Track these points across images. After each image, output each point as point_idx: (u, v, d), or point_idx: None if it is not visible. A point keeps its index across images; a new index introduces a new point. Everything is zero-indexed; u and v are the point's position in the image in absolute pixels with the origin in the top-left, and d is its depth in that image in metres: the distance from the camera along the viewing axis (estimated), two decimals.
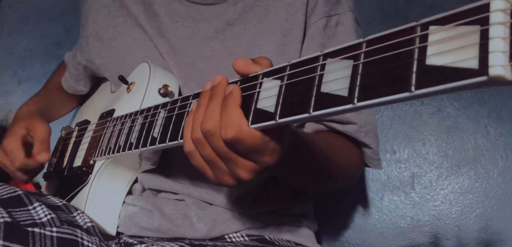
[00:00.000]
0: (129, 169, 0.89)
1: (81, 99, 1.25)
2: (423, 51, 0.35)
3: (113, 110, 0.94)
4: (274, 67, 0.52)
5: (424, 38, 0.36)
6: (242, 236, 0.87)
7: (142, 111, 0.78)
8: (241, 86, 0.54)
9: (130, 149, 0.76)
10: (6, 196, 0.70)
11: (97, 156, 0.88)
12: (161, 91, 0.84)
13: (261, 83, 0.52)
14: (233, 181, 0.57)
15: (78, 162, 0.97)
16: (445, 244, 1.19)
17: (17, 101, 1.64)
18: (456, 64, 0.33)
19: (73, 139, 1.06)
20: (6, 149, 1.01)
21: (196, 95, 0.64)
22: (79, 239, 0.68)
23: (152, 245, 0.73)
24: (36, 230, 0.65)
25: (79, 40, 1.08)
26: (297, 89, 0.47)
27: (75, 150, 1.01)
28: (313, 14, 0.87)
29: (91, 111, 1.10)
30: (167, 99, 0.82)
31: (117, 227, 0.88)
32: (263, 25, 0.87)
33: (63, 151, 1.07)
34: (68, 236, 0.67)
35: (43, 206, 0.70)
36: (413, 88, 0.35)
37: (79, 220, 0.75)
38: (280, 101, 0.48)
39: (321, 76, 0.44)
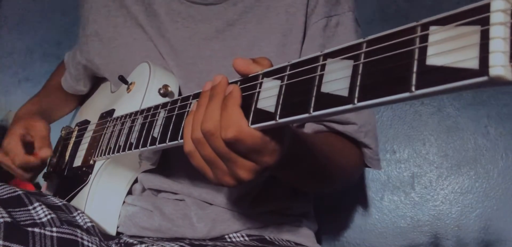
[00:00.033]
0: (129, 169, 0.89)
1: (81, 99, 1.25)
2: (423, 51, 0.35)
3: (113, 110, 0.94)
4: (274, 67, 0.52)
5: (424, 38, 0.36)
6: (242, 236, 0.87)
7: (142, 111, 0.78)
8: (241, 86, 0.54)
9: (130, 149, 0.76)
10: (6, 196, 0.70)
11: (97, 156, 0.88)
12: (161, 91, 0.84)
13: (261, 83, 0.52)
14: (233, 181, 0.57)
15: (78, 162, 0.97)
16: (445, 244, 1.19)
17: (17, 101, 1.64)
18: (457, 65, 0.33)
19: (73, 139, 1.06)
20: (6, 149, 1.01)
21: (196, 95, 0.64)
22: (79, 239, 0.68)
23: (152, 245, 0.73)
24: (36, 230, 0.65)
25: (78, 40, 1.08)
26: (297, 89, 0.47)
27: (75, 150, 1.01)
28: (313, 15, 0.87)
29: (91, 111, 1.10)
30: (167, 99, 0.82)
31: (117, 227, 0.88)
32: (263, 25, 0.87)
33: (63, 151, 1.07)
34: (68, 236, 0.67)
35: (43, 206, 0.70)
36: (413, 88, 0.35)
37: (79, 220, 0.75)
38: (280, 102, 0.48)
39: (321, 76, 0.44)
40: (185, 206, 0.87)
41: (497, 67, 0.30)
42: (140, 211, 0.87)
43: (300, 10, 0.86)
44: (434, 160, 1.24)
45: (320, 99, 0.43)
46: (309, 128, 0.88)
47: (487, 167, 1.20)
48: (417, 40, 0.36)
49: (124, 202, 0.90)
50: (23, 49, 1.73)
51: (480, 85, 0.31)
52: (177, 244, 0.72)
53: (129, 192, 0.91)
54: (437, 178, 1.23)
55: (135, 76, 0.91)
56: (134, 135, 0.76)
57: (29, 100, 1.18)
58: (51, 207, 0.72)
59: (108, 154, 0.83)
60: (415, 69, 0.35)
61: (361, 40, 0.41)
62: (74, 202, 0.87)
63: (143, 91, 0.86)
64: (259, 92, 0.52)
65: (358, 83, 0.40)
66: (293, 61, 0.49)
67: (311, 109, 0.43)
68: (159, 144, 0.67)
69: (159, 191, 0.90)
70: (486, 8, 0.32)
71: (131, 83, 0.91)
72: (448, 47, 0.34)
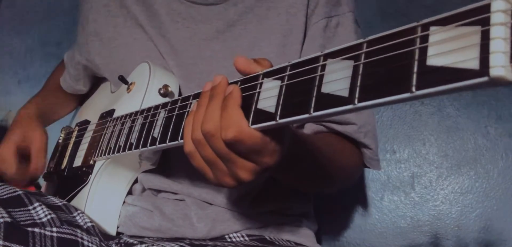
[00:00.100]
0: (129, 169, 0.89)
1: (81, 99, 1.25)
2: (423, 51, 0.35)
3: (113, 111, 0.94)
4: (275, 67, 0.52)
5: (424, 39, 0.36)
6: (242, 236, 0.87)
7: (142, 112, 0.78)
8: (241, 87, 0.54)
9: (130, 149, 0.76)
10: (6, 196, 0.70)
11: (97, 156, 0.88)
12: (161, 92, 0.84)
13: (261, 83, 0.52)
14: (233, 182, 0.57)
15: (78, 162, 0.97)
16: (445, 244, 1.19)
17: (17, 101, 1.64)
18: (457, 65, 0.33)
19: (73, 139, 1.06)
20: (1, 157, 1.02)
21: (196, 96, 0.64)
22: (79, 239, 0.68)
23: (152, 245, 0.73)
24: (36, 230, 0.65)
25: (77, 39, 1.08)
26: (298, 89, 0.47)
27: (75, 150, 1.01)
28: (313, 15, 0.87)
29: (91, 111, 1.10)
30: (167, 99, 0.82)
31: (117, 227, 0.88)
32: (263, 26, 0.87)
33: (63, 151, 1.07)
34: (68, 236, 0.67)
35: (43, 206, 0.70)
36: (414, 88, 0.35)
37: (79, 220, 0.75)
38: (281, 102, 0.48)
39: (321, 76, 0.44)
40: (185, 206, 0.87)
41: (498, 67, 0.30)
42: (140, 211, 0.87)
43: (301, 10, 0.86)
44: (434, 160, 1.24)
45: (321, 99, 0.43)
46: (309, 128, 0.88)
47: (487, 167, 1.20)
48: (418, 40, 0.36)
49: (124, 202, 0.90)
50: (23, 49, 1.73)
51: (481, 85, 0.31)
52: (177, 244, 0.72)
53: (129, 192, 0.91)
54: (437, 178, 1.23)
55: (135, 76, 0.91)
56: (134, 135, 0.76)
57: (29, 101, 1.18)
58: (51, 207, 0.72)
59: (108, 154, 0.83)
60: (415, 69, 0.35)
61: (361, 40, 0.41)
62: (74, 202, 0.87)
63: (143, 91, 0.86)
64: (259, 92, 0.51)
65: (358, 84, 0.40)
66: (294, 62, 0.49)
67: (312, 110, 0.43)
68: (159, 144, 0.67)
69: (159, 191, 0.90)
70: (487, 8, 0.32)
71: (131, 83, 0.91)
72: (448, 48, 0.34)
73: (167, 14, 0.92)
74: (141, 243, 0.77)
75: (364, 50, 0.41)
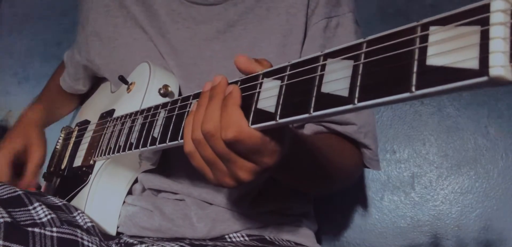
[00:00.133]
0: (129, 169, 0.89)
1: (82, 99, 1.25)
2: (423, 51, 0.35)
3: (113, 111, 0.94)
4: (275, 67, 0.52)
5: (424, 39, 0.36)
6: (242, 236, 0.87)
7: (142, 112, 0.78)
8: (241, 87, 0.54)
9: (130, 149, 0.76)
10: (6, 196, 0.70)
11: (97, 156, 0.88)
12: (161, 92, 0.84)
13: (261, 83, 0.52)
14: (233, 182, 0.57)
15: (78, 162, 0.97)
16: (445, 244, 1.19)
17: (17, 101, 1.64)
18: (457, 65, 0.33)
19: (73, 139, 1.06)
20: None
21: (196, 96, 0.64)
22: (79, 239, 0.68)
23: (152, 245, 0.73)
24: (36, 230, 0.65)
25: (77, 39, 1.08)
26: (298, 89, 0.47)
27: (75, 150, 1.01)
28: (313, 15, 0.87)
29: (91, 111, 1.10)
30: (167, 99, 0.82)
31: (117, 227, 0.88)
32: (263, 26, 0.87)
33: (63, 151, 1.07)
34: (68, 236, 0.67)
35: (43, 206, 0.70)
36: (413, 88, 0.35)
37: (79, 220, 0.75)
38: (281, 102, 0.48)
39: (321, 76, 0.44)
40: (185, 206, 0.87)
41: (497, 67, 0.30)
42: (140, 211, 0.88)
43: (301, 11, 0.86)
44: (434, 160, 1.24)
45: (320, 99, 0.43)
46: (309, 129, 0.88)
47: (487, 167, 1.20)
48: (417, 40, 0.36)
49: (124, 202, 0.90)
50: (23, 49, 1.73)
51: (480, 85, 0.31)
52: (177, 244, 0.72)
53: (129, 192, 0.91)
54: (437, 178, 1.23)
55: (135, 76, 0.91)
56: (134, 135, 0.76)
57: (35, 103, 1.19)
58: (51, 207, 0.72)
59: (108, 154, 0.83)
60: (415, 69, 0.35)
61: (361, 40, 0.41)
62: (74, 202, 0.87)
63: (143, 91, 0.86)
64: (259, 92, 0.52)
65: (358, 84, 0.40)
66: (293, 61, 0.49)
67: (311, 110, 0.43)
68: (159, 144, 0.67)
69: (159, 191, 0.90)
70: (486, 8, 0.32)
71: (131, 83, 0.91)
72: (448, 47, 0.34)
73: (167, 15, 0.92)
74: (141, 243, 0.77)
75: (364, 50, 0.41)
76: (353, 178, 0.93)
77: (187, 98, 0.66)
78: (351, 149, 0.87)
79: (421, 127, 1.26)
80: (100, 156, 0.87)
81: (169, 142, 0.64)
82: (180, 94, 0.88)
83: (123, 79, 0.92)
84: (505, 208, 1.17)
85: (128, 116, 0.82)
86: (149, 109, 0.75)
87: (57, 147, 1.11)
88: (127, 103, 0.90)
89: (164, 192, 0.90)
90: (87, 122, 1.04)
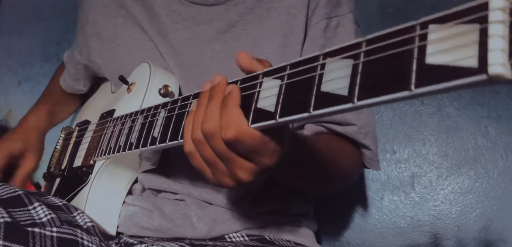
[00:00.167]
0: (129, 169, 0.89)
1: (83, 100, 1.26)
2: (422, 50, 0.35)
3: (113, 111, 0.94)
4: (274, 66, 0.52)
5: (423, 37, 0.36)
6: (242, 236, 0.87)
7: (142, 111, 0.78)
8: (241, 86, 0.54)
9: (130, 148, 0.76)
10: (6, 196, 0.70)
11: (97, 156, 0.88)
12: (162, 92, 0.84)
13: (261, 83, 0.52)
14: (232, 182, 0.57)
15: (78, 162, 0.97)
16: (445, 244, 1.19)
17: (17, 101, 1.64)
18: (456, 63, 0.33)
19: (73, 139, 1.06)
20: None
21: (196, 95, 0.64)
22: (79, 239, 0.68)
23: (152, 245, 0.73)
24: (36, 230, 0.65)
25: (76, 39, 1.08)
26: (297, 88, 0.47)
27: (75, 150, 1.01)
28: (314, 16, 0.87)
29: (92, 111, 1.10)
30: (167, 99, 0.82)
31: (117, 227, 0.88)
32: (264, 26, 0.87)
33: (63, 151, 1.07)
34: (68, 236, 0.67)
35: (43, 206, 0.71)
36: (413, 87, 0.35)
37: (79, 220, 0.75)
38: (280, 101, 0.48)
39: (321, 75, 0.44)
40: (185, 206, 0.87)
41: (496, 65, 0.30)
42: (140, 211, 0.88)
43: (301, 11, 0.86)
44: (434, 160, 1.24)
45: (320, 98, 0.43)
46: (309, 129, 0.88)
47: (487, 167, 1.20)
48: (416, 39, 0.36)
49: (124, 202, 0.90)
50: (23, 49, 1.73)
51: (479, 83, 0.31)
52: (177, 244, 0.73)
53: (129, 192, 0.91)
54: (437, 178, 1.23)
55: (136, 76, 0.91)
56: (134, 135, 0.76)
57: (37, 109, 1.19)
58: (51, 207, 0.72)
59: (108, 154, 0.83)
60: (414, 68, 0.35)
61: (360, 39, 0.41)
62: (74, 202, 0.87)
63: (144, 92, 0.86)
64: (259, 91, 0.52)
65: (357, 82, 0.40)
66: (293, 61, 0.49)
67: (311, 109, 0.44)
68: (159, 143, 0.67)
69: (159, 191, 0.90)
70: (485, 6, 0.32)
71: (131, 84, 0.91)
72: (447, 46, 0.34)
73: (168, 15, 0.92)
74: (141, 243, 0.77)
75: (363, 49, 0.41)
76: (353, 178, 0.93)
77: (187, 98, 0.66)
78: (351, 149, 0.87)
79: (421, 127, 1.26)
80: (100, 156, 0.87)
81: (169, 141, 0.64)
82: (180, 94, 0.88)
83: (123, 80, 0.92)
84: (505, 208, 1.17)
85: (128, 116, 0.82)
86: (149, 109, 0.75)
87: (57, 147, 1.11)
88: (127, 103, 0.90)
89: (164, 192, 0.90)
90: (87, 122, 1.04)
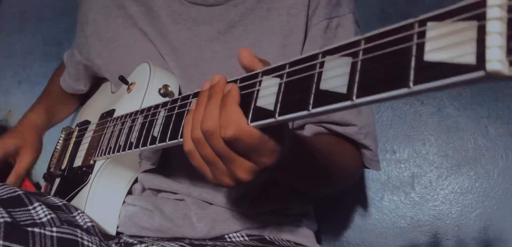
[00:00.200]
0: (129, 169, 0.89)
1: (82, 100, 1.26)
2: (421, 47, 0.35)
3: (113, 111, 0.94)
4: (274, 65, 0.52)
5: (421, 35, 0.36)
6: (242, 236, 0.87)
7: (142, 111, 0.78)
8: (240, 85, 0.54)
9: (130, 148, 0.76)
10: (6, 196, 0.70)
11: (97, 156, 0.88)
12: (161, 91, 0.84)
13: (260, 81, 0.52)
14: (231, 182, 0.57)
15: (78, 162, 0.97)
16: (445, 244, 1.19)
17: (17, 101, 1.64)
18: (454, 60, 0.33)
19: (73, 139, 1.06)
20: None
21: (196, 95, 0.64)
22: (79, 239, 0.68)
23: (152, 245, 0.73)
24: (36, 230, 0.65)
25: (76, 39, 1.08)
26: (297, 87, 0.47)
27: (75, 150, 1.01)
28: (314, 16, 0.87)
29: (92, 111, 1.10)
30: (167, 99, 0.82)
31: (117, 227, 0.88)
32: (264, 26, 0.87)
33: (63, 151, 1.08)
34: (68, 236, 0.67)
35: (43, 206, 0.71)
36: (411, 84, 0.35)
37: (79, 220, 0.75)
38: (280, 99, 0.48)
39: (320, 73, 0.45)
40: (185, 206, 0.87)
41: (494, 62, 0.31)
42: (140, 211, 0.88)
43: (301, 11, 0.86)
44: (434, 160, 1.24)
45: (319, 96, 0.43)
46: (309, 130, 0.88)
47: (487, 167, 1.20)
48: (415, 36, 0.36)
49: (124, 202, 0.90)
50: (23, 49, 1.73)
51: (477, 80, 0.32)
52: (177, 244, 0.73)
53: (129, 192, 0.91)
54: (437, 178, 1.23)
55: (136, 76, 0.92)
56: (134, 134, 0.76)
57: (36, 106, 1.19)
58: (51, 207, 0.72)
59: (108, 153, 0.83)
60: (413, 65, 0.35)
61: (359, 37, 0.41)
62: (74, 202, 0.88)
63: (143, 91, 0.86)
64: (258, 90, 0.52)
65: (356, 80, 0.40)
66: (292, 59, 0.49)
67: (310, 107, 0.44)
68: (159, 143, 0.67)
69: (159, 191, 0.90)
70: (483, 3, 0.32)
71: (131, 84, 0.92)
72: (445, 43, 0.34)
73: (168, 15, 0.92)
74: (141, 242, 0.77)
75: (362, 47, 0.41)
76: (353, 178, 0.93)
77: (186, 97, 0.66)
78: (351, 149, 0.87)
79: (421, 127, 1.26)
80: (100, 155, 0.87)
81: (169, 141, 0.65)
82: (180, 94, 0.88)
83: (123, 80, 0.93)
84: (505, 208, 1.17)
85: (128, 116, 0.82)
86: (149, 108, 0.75)
87: (57, 147, 1.12)
88: (127, 103, 0.90)
89: (164, 192, 0.90)
90: (87, 122, 1.05)
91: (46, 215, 0.69)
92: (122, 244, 0.81)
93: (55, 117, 1.23)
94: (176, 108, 0.67)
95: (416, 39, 0.36)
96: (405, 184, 1.25)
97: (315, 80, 0.45)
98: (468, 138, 1.22)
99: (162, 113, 0.70)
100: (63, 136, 1.13)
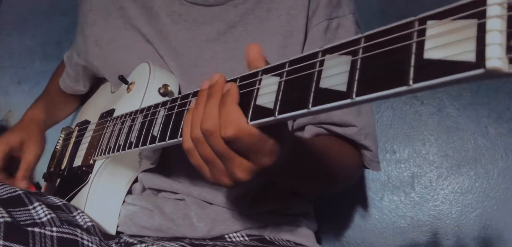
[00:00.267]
0: (129, 168, 0.89)
1: (82, 100, 1.26)
2: (421, 45, 0.35)
3: (113, 110, 0.94)
4: (274, 64, 0.52)
5: (421, 33, 0.36)
6: (242, 236, 0.87)
7: (142, 110, 0.78)
8: (240, 84, 0.54)
9: (130, 147, 0.76)
10: (6, 196, 0.70)
11: (97, 156, 0.88)
12: (161, 91, 0.84)
13: (260, 80, 0.52)
14: (230, 181, 0.57)
15: (78, 161, 0.97)
16: (445, 244, 1.19)
17: (17, 101, 1.64)
18: (454, 58, 0.33)
19: (73, 139, 1.06)
20: None
21: (196, 94, 0.64)
22: (79, 239, 0.68)
23: (152, 244, 0.73)
24: (36, 230, 0.65)
25: (76, 39, 1.08)
26: (296, 85, 0.47)
27: (75, 150, 1.01)
28: (314, 17, 0.87)
29: (91, 111, 1.10)
30: (167, 98, 0.82)
31: (117, 227, 0.88)
32: (264, 27, 0.87)
33: (63, 151, 1.08)
34: (68, 236, 0.67)
35: (43, 206, 0.71)
36: (411, 82, 0.35)
37: (79, 220, 0.75)
38: (279, 98, 0.48)
39: (319, 72, 0.45)
40: (185, 206, 0.87)
41: (494, 59, 0.31)
42: (140, 210, 0.88)
43: (301, 12, 0.86)
44: (434, 160, 1.24)
45: (319, 94, 0.43)
46: (309, 131, 0.88)
47: (487, 167, 1.20)
48: (415, 34, 0.36)
49: (124, 201, 0.90)
50: (23, 49, 1.73)
51: (477, 78, 0.32)
52: (177, 244, 0.73)
53: (129, 192, 0.91)
54: (437, 178, 1.23)
55: (135, 76, 0.92)
56: (134, 134, 0.76)
57: (36, 103, 1.19)
58: (51, 206, 0.72)
59: (108, 153, 0.83)
60: (412, 63, 0.35)
61: (359, 35, 0.42)
62: (74, 202, 0.88)
63: (143, 91, 0.86)
64: (258, 88, 0.52)
65: (356, 78, 0.40)
66: (292, 58, 0.49)
67: (310, 105, 0.44)
68: (159, 142, 0.67)
69: (159, 191, 0.90)
70: (483, 1, 0.32)
71: (131, 83, 0.92)
72: (445, 41, 0.34)
73: (168, 16, 0.92)
74: (141, 242, 0.77)
75: (362, 45, 0.41)
76: (353, 179, 0.93)
77: (186, 96, 0.66)
78: (351, 150, 0.87)
79: (421, 127, 1.26)
80: (100, 155, 0.87)
81: (168, 140, 0.65)
82: (179, 93, 0.88)
83: (123, 79, 0.93)
84: (505, 208, 1.17)
85: (128, 116, 0.82)
86: (148, 108, 0.75)
87: (57, 147, 1.12)
88: (127, 103, 0.90)
89: (164, 192, 0.90)
90: (87, 122, 1.05)
91: (46, 215, 0.69)
92: (122, 244, 0.81)
93: (55, 117, 1.23)
94: (176, 107, 0.67)
95: (416, 37, 0.36)
96: (405, 184, 1.25)
97: (315, 78, 0.45)
98: (468, 138, 1.22)
99: (162, 112, 0.70)
100: (62, 135, 1.13)
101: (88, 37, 1.01)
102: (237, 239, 0.86)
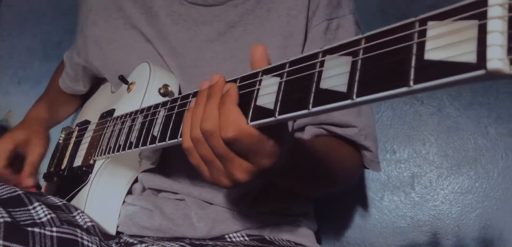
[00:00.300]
0: (129, 168, 0.89)
1: (83, 100, 1.26)
2: (421, 46, 0.35)
3: (113, 110, 0.94)
4: (274, 64, 0.52)
5: (422, 34, 0.36)
6: (242, 236, 0.87)
7: (142, 111, 0.78)
8: (240, 84, 0.54)
9: (130, 147, 0.76)
10: (6, 196, 0.70)
11: (97, 156, 0.88)
12: (161, 91, 0.84)
13: (260, 80, 0.52)
14: (228, 182, 0.57)
15: (78, 161, 0.97)
16: (445, 244, 1.19)
17: (17, 101, 1.64)
18: (455, 59, 0.33)
19: (73, 139, 1.06)
20: None
21: (196, 94, 0.64)
22: (79, 239, 0.68)
23: (152, 244, 0.73)
24: (36, 230, 0.65)
25: (76, 39, 1.08)
26: (297, 86, 0.47)
27: (75, 150, 1.01)
28: (314, 17, 0.87)
29: (92, 111, 1.10)
30: (167, 98, 0.82)
31: (117, 227, 0.88)
32: (264, 27, 0.87)
33: (63, 151, 1.07)
34: (68, 236, 0.67)
35: (43, 206, 0.70)
36: (411, 83, 0.35)
37: (79, 220, 0.75)
38: (280, 98, 0.48)
39: (320, 72, 0.44)
40: (185, 206, 0.87)
41: (495, 60, 0.31)
42: (140, 210, 0.88)
43: (301, 12, 0.86)
44: (434, 160, 1.24)
45: (319, 95, 0.43)
46: (309, 132, 0.88)
47: (487, 167, 1.20)
48: (415, 35, 0.36)
49: (124, 201, 0.90)
50: (23, 49, 1.73)
51: (478, 79, 0.32)
52: (177, 244, 0.72)
53: (129, 192, 0.91)
54: (437, 178, 1.23)
55: (135, 76, 0.92)
56: (134, 134, 0.76)
57: (38, 103, 1.19)
58: (51, 206, 0.72)
59: (108, 153, 0.83)
60: (413, 64, 0.35)
61: (359, 36, 0.41)
62: (74, 202, 0.88)
63: (143, 91, 0.86)
64: (258, 89, 0.52)
65: (356, 79, 0.40)
66: (293, 58, 0.49)
67: (310, 106, 0.44)
68: (159, 142, 0.67)
69: (159, 191, 0.90)
70: (484, 2, 0.32)
71: (131, 83, 0.92)
72: (446, 42, 0.34)
73: (168, 16, 0.92)
74: (141, 242, 0.77)
75: (363, 46, 0.41)
76: (353, 179, 0.93)
77: (186, 96, 0.66)
78: (351, 151, 0.87)
79: (421, 127, 1.26)
80: (100, 155, 0.87)
81: (168, 140, 0.64)
82: (180, 94, 0.88)
83: (123, 79, 0.93)
84: (505, 208, 1.17)
85: (128, 116, 0.82)
86: (149, 108, 0.75)
87: (57, 147, 1.11)
88: (127, 103, 0.90)
89: (164, 192, 0.90)
90: (87, 122, 1.05)
91: (46, 215, 0.69)
92: (122, 244, 0.81)
93: (56, 117, 1.23)
94: (176, 107, 0.67)
95: (416, 38, 0.36)
96: (405, 184, 1.25)
97: (315, 79, 0.45)
98: (468, 138, 1.22)
99: (162, 112, 0.70)
100: (63, 135, 1.13)
101: (88, 37, 1.01)
102: (237, 239, 0.86)
